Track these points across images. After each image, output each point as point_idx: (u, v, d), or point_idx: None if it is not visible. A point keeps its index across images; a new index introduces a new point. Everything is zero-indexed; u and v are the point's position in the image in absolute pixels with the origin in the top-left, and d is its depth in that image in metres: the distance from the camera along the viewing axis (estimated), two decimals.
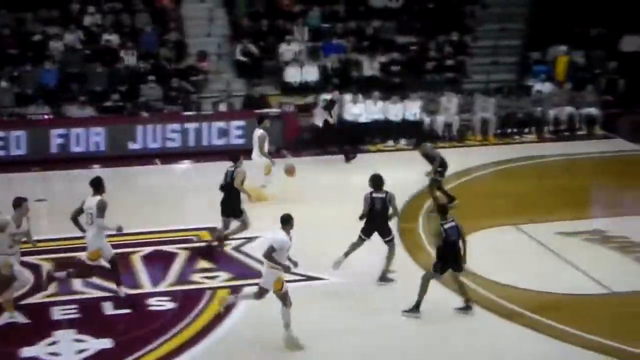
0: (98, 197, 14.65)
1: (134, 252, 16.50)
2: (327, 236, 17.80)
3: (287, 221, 13.45)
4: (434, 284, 15.41)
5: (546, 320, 14.25)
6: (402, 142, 25.09)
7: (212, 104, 25.96)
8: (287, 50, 27.64)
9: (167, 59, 26.67)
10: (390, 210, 15.74)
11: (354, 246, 15.93)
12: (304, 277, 15.96)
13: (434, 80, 28.03)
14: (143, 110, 24.88)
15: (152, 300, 15.00)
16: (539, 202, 20.04)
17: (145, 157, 23.65)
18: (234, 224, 17.28)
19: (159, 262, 16.54)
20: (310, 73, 27.19)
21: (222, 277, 16.01)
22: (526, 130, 26.70)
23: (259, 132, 20.21)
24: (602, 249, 17.48)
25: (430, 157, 19.56)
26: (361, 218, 15.82)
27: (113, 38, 27.01)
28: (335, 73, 27.56)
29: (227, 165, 17.48)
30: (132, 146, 24.16)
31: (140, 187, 22.28)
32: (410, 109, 25.70)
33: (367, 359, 13.35)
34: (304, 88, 27.01)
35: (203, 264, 16.57)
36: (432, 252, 17.01)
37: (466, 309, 14.47)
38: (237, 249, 17.24)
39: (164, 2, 28.47)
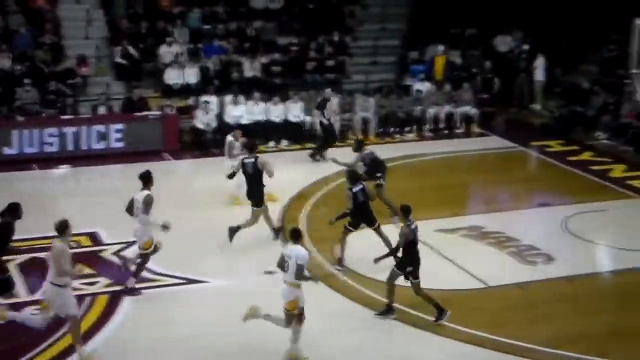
0: (145, 192, 15.10)
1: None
2: (206, 239, 17.78)
3: (299, 235, 13.40)
4: (311, 286, 15.58)
5: (426, 317, 14.50)
6: (284, 143, 25.12)
7: (91, 107, 25.51)
8: (167, 52, 27.36)
9: (44, 62, 26.09)
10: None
11: (345, 237, 16.62)
12: (184, 281, 15.93)
13: (315, 80, 28.17)
14: (18, 114, 24.31)
15: (29, 309, 14.58)
16: (419, 200, 20.10)
17: (21, 162, 23.12)
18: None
19: (36, 269, 15.94)
20: (191, 75, 26.96)
21: (102, 283, 15.82)
22: (406, 129, 26.98)
23: (228, 138, 20.31)
24: (479, 245, 17.88)
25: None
26: (347, 215, 16.54)
27: None
28: (216, 74, 27.43)
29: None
30: (8, 151, 23.54)
31: (16, 193, 21.47)
32: (291, 110, 25.76)
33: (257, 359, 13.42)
34: (184, 90, 26.77)
35: (82, 269, 16.29)
36: (316, 252, 17.29)
37: (388, 312, 14.65)
38: (116, 253, 16.99)
39: (39, 3, 27.87)
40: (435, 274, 16.31)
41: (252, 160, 17.70)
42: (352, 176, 16.68)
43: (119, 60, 27.16)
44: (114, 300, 15.11)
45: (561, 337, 14.05)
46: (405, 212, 14.54)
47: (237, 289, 15.60)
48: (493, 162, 24.20)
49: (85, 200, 20.55)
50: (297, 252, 13.12)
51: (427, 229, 18.00)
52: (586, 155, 24.57)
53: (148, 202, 15.03)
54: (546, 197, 21.07)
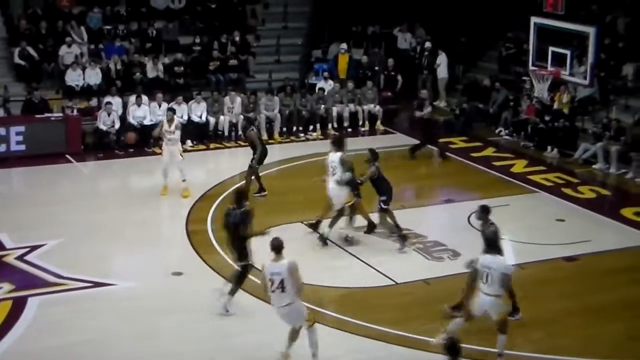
0: (339, 154, 17.47)
1: None
2: (112, 240, 17.62)
3: (497, 244, 13.26)
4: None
5: (334, 314, 14.59)
6: (189, 143, 24.86)
7: None
8: (67, 53, 26.95)
9: None
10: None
11: (391, 217, 17.64)
12: (91, 284, 15.72)
13: (218, 80, 28.07)
14: None
15: None
16: (325, 198, 20.38)
17: None
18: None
19: None
20: (92, 76, 26.58)
21: (5, 289, 15.45)
22: (310, 128, 27.04)
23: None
24: (387, 242, 17.96)
25: (254, 145, 20.35)
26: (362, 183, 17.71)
27: None
28: (118, 75, 27.10)
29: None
30: None
31: None
32: (195, 110, 25.60)
33: None
34: (86, 91, 26.39)
35: None
36: (223, 252, 17.23)
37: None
38: (20, 258, 16.68)
39: None
40: (344, 271, 16.53)
41: (339, 156, 18.05)
42: (374, 153, 17.74)
43: (18, 61, 26.65)
44: (17, 307, 14.79)
45: (466, 331, 14.22)
46: (486, 212, 14.66)
47: (144, 292, 15.48)
48: (398, 160, 24.34)
49: None
50: (499, 262, 12.97)
51: (334, 227, 18.14)
52: (489, 151, 24.99)
53: (343, 162, 17.34)
54: (451, 194, 21.40)
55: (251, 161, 20.29)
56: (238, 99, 26.17)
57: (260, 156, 20.34)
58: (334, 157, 17.63)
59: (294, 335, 12.91)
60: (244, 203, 14.73)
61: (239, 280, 14.67)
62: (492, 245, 13.52)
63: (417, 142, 24.75)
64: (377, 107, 27.79)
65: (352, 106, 27.59)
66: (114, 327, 14.18)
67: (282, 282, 12.48)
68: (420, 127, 25.24)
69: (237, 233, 14.47)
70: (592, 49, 21.80)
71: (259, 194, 20.20)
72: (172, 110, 21.55)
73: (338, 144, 18.02)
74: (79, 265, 16.31)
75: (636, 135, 23.12)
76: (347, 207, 17.69)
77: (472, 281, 13.22)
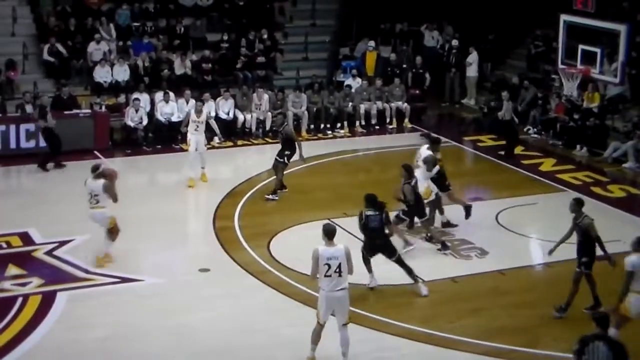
0: (429, 152, 17.90)
1: None
2: (139, 236, 17.64)
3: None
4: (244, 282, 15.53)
5: (361, 311, 14.53)
6: (216, 140, 24.83)
7: (16, 106, 24.90)
8: (95, 49, 27.08)
9: None
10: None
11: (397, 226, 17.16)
12: (119, 279, 15.77)
13: (246, 77, 28.08)
14: None
15: None
16: (351, 195, 20.21)
17: None
18: None
19: None
20: (120, 72, 26.70)
21: (34, 284, 15.57)
22: (338, 125, 26.99)
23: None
24: (414, 240, 17.89)
25: (291, 141, 20.34)
26: (412, 211, 17.24)
27: None
28: (146, 72, 27.17)
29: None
30: None
31: None
32: (222, 107, 25.62)
33: (193, 357, 13.35)
34: (114, 88, 26.51)
35: (13, 270, 16.07)
36: (250, 249, 17.25)
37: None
38: (49, 253, 16.76)
39: None
40: None
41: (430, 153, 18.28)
42: (410, 170, 17.19)
43: (47, 57, 26.79)
44: (46, 301, 14.88)
45: (493, 329, 14.21)
46: (580, 204, 14.70)
47: (170, 288, 15.51)
48: None
49: (16, 200, 20.22)
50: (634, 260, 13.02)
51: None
52: (517, 150, 24.78)
53: (428, 161, 17.58)
54: (479, 192, 21.32)
55: (282, 157, 20.19)
56: (266, 96, 26.18)
57: (292, 153, 20.22)
58: (424, 153, 18.02)
59: (316, 337, 12.91)
60: (381, 205, 15.17)
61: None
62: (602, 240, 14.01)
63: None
64: (405, 104, 27.71)
65: (379, 104, 27.52)
66: (140, 322, 14.24)
67: (339, 266, 12.64)
68: (503, 128, 25.09)
69: (381, 235, 15.21)
70: (623, 46, 21.65)
71: (274, 194, 20.14)
72: (201, 102, 22.21)
73: (432, 142, 18.63)
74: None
75: None
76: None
77: (628, 285, 13.04)
